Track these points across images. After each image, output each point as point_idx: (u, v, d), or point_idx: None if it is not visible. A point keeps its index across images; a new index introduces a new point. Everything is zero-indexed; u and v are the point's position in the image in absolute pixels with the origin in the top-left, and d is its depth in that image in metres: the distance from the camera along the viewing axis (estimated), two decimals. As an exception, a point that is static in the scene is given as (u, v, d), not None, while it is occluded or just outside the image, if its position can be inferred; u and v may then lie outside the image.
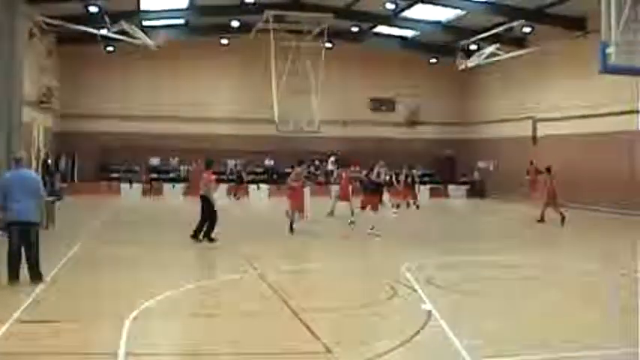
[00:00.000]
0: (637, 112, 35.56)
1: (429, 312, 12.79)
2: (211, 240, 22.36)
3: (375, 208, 25.39)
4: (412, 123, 55.19)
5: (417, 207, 38.96)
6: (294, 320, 12.25)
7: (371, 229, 24.62)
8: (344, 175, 33.11)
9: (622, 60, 18.88)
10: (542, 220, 30.08)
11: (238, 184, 47.91)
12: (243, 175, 48.51)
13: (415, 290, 15.00)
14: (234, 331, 11.69)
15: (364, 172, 30.09)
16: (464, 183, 53.18)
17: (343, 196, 31.28)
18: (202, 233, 22.44)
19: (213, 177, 23.21)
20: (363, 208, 25.68)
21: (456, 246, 23.48)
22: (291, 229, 25.02)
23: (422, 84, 53.98)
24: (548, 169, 30.42)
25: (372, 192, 25.90)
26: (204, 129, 50.50)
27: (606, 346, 10.99)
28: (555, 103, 43.00)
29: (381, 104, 54.76)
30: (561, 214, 29.33)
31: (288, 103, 45.27)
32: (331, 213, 31.60)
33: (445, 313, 12.64)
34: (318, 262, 19.68)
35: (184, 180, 49.75)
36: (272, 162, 52.46)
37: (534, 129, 45.43)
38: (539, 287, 16.61)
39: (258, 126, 49.64)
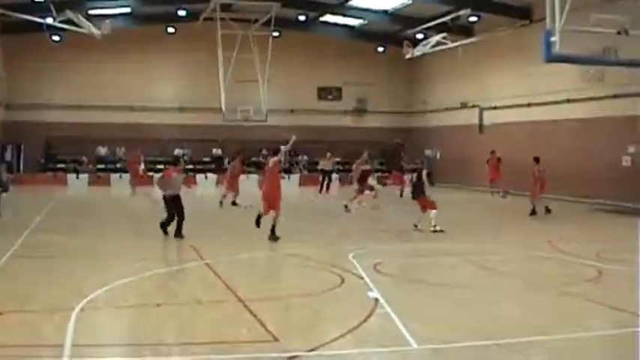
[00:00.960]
0: (581, 100, 36.11)
1: (376, 299, 12.88)
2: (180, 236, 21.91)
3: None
4: (359, 111, 55.30)
5: (375, 196, 38.94)
6: (242, 309, 12.27)
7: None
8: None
9: (566, 49, 19.10)
10: (534, 212, 29.13)
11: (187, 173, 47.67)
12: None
13: (362, 278, 15.10)
14: (181, 321, 11.71)
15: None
16: (412, 171, 53.18)
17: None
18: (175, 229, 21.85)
19: (174, 174, 22.55)
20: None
21: (403, 234, 23.58)
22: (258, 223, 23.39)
23: (369, 73, 54.02)
24: (537, 159, 30.17)
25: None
26: (151, 118, 49.99)
27: (553, 332, 11.17)
28: (501, 91, 43.32)
29: (329, 93, 54.72)
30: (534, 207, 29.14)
31: (235, 92, 45.23)
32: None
33: (392, 301, 12.72)
34: (267, 250, 19.64)
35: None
36: (219, 151, 52.19)
37: (480, 117, 45.72)
38: (485, 274, 16.82)
39: (206, 115, 49.47)
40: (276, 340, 10.38)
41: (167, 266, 16.98)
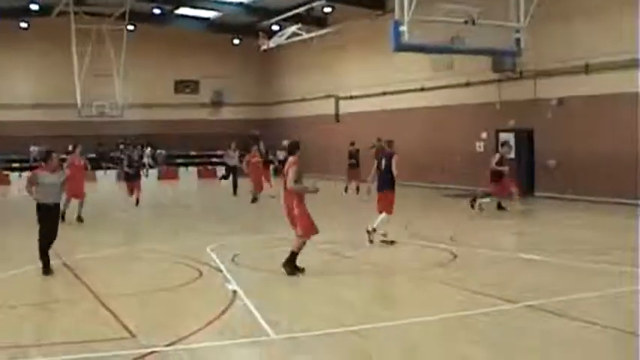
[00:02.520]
0: (434, 88, 36.93)
1: (234, 291, 12.98)
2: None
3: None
4: (216, 104, 55.18)
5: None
6: (99, 306, 12.20)
7: None
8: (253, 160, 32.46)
9: (415, 38, 19.56)
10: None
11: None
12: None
13: (220, 270, 15.18)
14: (38, 322, 11.56)
15: None
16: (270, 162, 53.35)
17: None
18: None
19: (43, 174, 19.37)
20: None
21: (261, 225, 23.68)
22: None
23: (226, 65, 53.94)
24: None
25: None
26: (4, 115, 48.57)
27: (404, 317, 11.49)
28: (356, 81, 43.95)
29: (185, 86, 54.38)
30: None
31: (91, 88, 44.61)
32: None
33: (250, 292, 12.88)
34: (125, 247, 19.47)
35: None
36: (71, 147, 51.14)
37: (337, 107, 46.24)
38: (340, 262, 17.06)
39: (61, 111, 48.43)
40: (133, 336, 10.37)
41: (22, 267, 16.62)
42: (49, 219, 15.60)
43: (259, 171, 32.01)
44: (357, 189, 32.71)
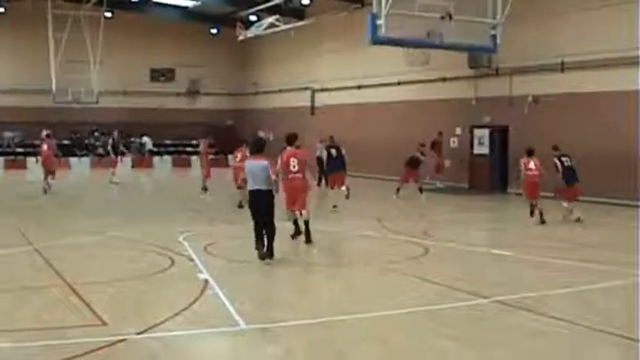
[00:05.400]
0: (410, 82, 37.02)
1: (206, 281, 13.01)
2: None
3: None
4: (192, 93, 55.04)
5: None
6: (70, 293, 12.19)
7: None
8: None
9: (392, 32, 19.59)
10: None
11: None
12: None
13: (192, 259, 15.21)
14: (6, 308, 11.49)
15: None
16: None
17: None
18: None
19: None
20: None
21: (234, 215, 23.56)
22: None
23: (203, 54, 53.70)
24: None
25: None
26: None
27: (371, 309, 11.55)
28: (333, 73, 43.93)
29: (161, 74, 54.10)
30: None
31: (66, 74, 44.35)
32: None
33: (221, 282, 12.92)
34: (96, 235, 19.35)
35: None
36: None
37: (312, 99, 46.27)
38: (313, 254, 17.12)
39: (36, 97, 48.07)
40: (104, 323, 10.38)
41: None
42: None
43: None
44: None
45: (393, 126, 38.19)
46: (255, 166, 15.18)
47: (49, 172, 31.04)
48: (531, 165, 21.94)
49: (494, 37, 21.46)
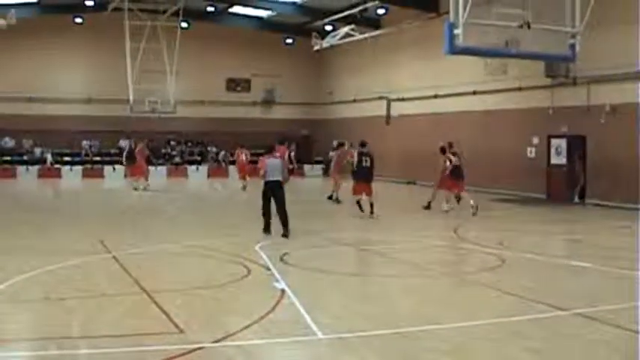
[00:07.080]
0: (486, 92, 36.74)
1: (282, 290, 12.99)
2: None
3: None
4: (268, 103, 55.30)
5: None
6: (147, 301, 12.27)
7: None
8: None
9: (469, 41, 19.40)
10: None
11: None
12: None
13: (268, 269, 15.20)
14: (86, 314, 11.58)
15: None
16: (319, 162, 53.47)
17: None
18: None
19: None
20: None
21: (310, 225, 23.57)
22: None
23: (278, 64, 54.00)
24: (442, 149, 28.27)
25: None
26: (58, 110, 49.14)
27: (447, 321, 11.42)
28: (408, 83, 43.77)
29: (237, 84, 54.53)
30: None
31: (143, 84, 44.89)
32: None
33: (298, 291, 12.87)
34: (172, 243, 19.47)
35: (38, 162, 48.47)
36: (127, 143, 51.67)
37: (388, 109, 46.12)
38: (386, 263, 17.06)
39: (113, 106, 48.81)
40: (181, 331, 10.41)
41: (72, 259, 16.73)
42: None
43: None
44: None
45: (469, 136, 37.87)
46: (272, 162, 20.14)
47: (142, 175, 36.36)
48: None
49: (572, 45, 21.12)
